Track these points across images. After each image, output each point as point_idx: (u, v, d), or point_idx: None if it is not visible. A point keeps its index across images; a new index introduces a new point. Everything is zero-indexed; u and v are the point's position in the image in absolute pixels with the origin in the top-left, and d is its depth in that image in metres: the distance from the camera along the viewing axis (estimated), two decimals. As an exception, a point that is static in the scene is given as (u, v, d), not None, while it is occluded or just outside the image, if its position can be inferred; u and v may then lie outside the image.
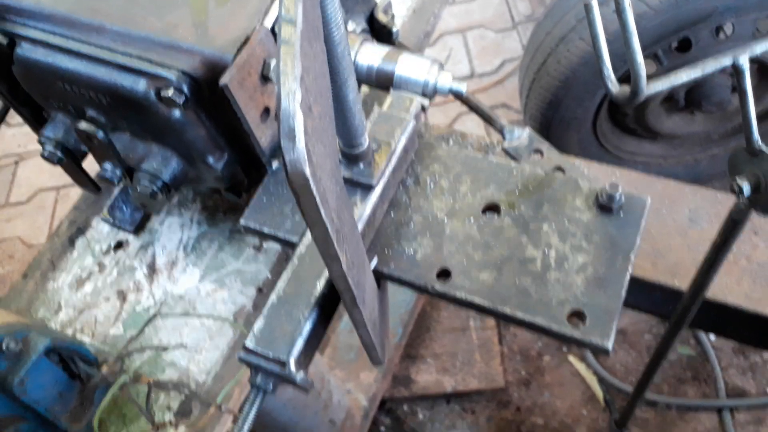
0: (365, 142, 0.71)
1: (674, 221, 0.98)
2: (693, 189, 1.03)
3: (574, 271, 0.72)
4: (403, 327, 2.58)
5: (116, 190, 1.12)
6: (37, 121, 1.00)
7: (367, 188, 0.73)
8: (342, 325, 2.61)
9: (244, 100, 0.75)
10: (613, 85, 0.47)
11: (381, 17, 1.02)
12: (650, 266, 0.89)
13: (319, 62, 0.44)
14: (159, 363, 0.95)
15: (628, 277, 0.72)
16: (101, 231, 1.11)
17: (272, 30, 0.82)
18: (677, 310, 0.84)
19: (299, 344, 0.66)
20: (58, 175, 3.38)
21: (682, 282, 0.96)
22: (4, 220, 2.99)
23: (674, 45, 1.80)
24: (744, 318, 0.94)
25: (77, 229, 1.13)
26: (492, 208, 0.78)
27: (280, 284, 0.70)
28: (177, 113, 0.79)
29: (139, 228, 1.09)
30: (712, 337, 2.52)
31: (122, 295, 1.04)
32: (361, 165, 0.73)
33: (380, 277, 0.76)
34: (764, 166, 0.52)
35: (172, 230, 1.08)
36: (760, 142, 0.50)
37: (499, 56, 2.84)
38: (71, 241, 1.12)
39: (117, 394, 0.87)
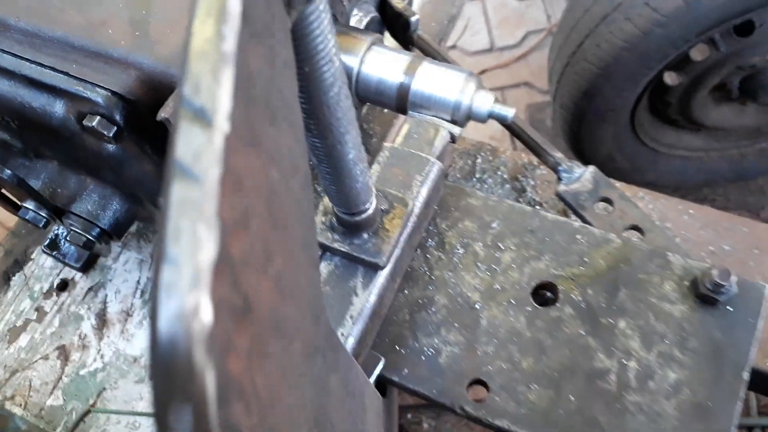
0: (371, 205, 0.49)
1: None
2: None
3: (663, 393, 0.50)
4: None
5: (61, 215, 0.90)
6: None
7: (373, 267, 0.52)
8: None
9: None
10: None
11: (395, 2, 0.79)
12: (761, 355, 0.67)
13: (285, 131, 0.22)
14: (105, 450, 0.75)
15: (740, 406, 0.50)
16: (42, 266, 0.90)
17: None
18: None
19: None
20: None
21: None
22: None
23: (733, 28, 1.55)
24: None
25: (14, 261, 0.92)
26: (546, 288, 0.56)
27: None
28: (110, 147, 0.57)
29: (88, 264, 0.88)
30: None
31: (64, 353, 0.83)
32: (365, 235, 0.51)
33: (387, 383, 0.55)
34: None
35: (127, 268, 0.87)
36: None
37: (521, 27, 2.57)
38: (6, 278, 0.90)
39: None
